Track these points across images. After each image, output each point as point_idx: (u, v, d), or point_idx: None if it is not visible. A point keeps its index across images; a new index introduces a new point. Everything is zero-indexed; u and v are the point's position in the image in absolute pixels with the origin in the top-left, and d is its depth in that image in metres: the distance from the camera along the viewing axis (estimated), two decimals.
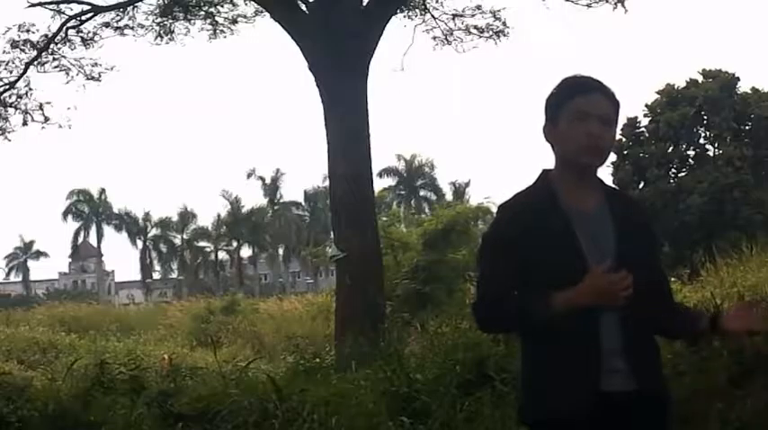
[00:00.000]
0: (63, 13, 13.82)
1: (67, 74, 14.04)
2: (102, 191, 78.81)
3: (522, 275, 2.79)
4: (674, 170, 36.63)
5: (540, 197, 2.87)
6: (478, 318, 2.98)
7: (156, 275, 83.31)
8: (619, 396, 2.75)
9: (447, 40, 14.34)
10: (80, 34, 13.93)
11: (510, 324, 2.97)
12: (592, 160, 2.86)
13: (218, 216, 78.51)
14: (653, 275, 2.88)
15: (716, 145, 36.61)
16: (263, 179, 76.40)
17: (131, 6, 14.01)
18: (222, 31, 14.46)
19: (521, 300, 2.81)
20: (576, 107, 2.82)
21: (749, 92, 36.03)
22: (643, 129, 36.99)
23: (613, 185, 3.13)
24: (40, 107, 14.09)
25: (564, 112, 2.84)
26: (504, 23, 14.21)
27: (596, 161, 2.87)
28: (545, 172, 2.95)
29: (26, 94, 14.03)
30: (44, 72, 13.98)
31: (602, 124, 2.83)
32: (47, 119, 14.10)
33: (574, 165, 2.86)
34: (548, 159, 3.07)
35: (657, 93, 36.84)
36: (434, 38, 14.37)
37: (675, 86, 36.65)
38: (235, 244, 78.99)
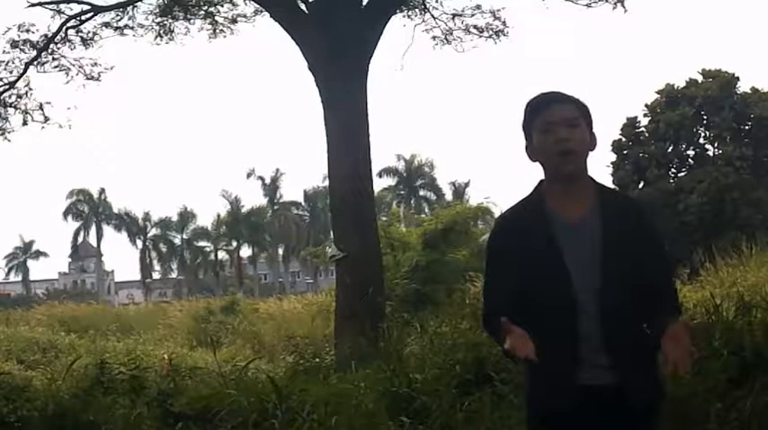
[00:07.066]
0: (63, 13, 13.79)
1: (67, 74, 14.02)
2: (102, 191, 78.96)
3: (519, 283, 3.00)
4: (673, 170, 36.63)
5: (531, 210, 3.08)
6: (483, 328, 3.33)
7: (155, 275, 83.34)
8: (601, 389, 2.91)
9: (447, 39, 14.33)
10: (80, 34, 13.90)
11: (496, 339, 3.11)
12: (567, 163, 3.02)
13: (218, 216, 78.67)
14: (645, 279, 2.97)
15: (716, 145, 36.60)
16: (262, 179, 76.58)
17: (131, 6, 13.99)
18: (222, 31, 14.44)
19: (495, 325, 2.93)
20: (541, 121, 3.07)
21: (749, 92, 36.01)
22: (643, 128, 37.00)
23: (609, 186, 3.27)
24: (40, 107, 14.05)
25: (534, 129, 3.09)
26: (503, 23, 14.20)
27: (572, 163, 3.02)
28: (540, 182, 3.14)
29: (26, 93, 13.99)
30: (44, 72, 13.94)
31: (568, 127, 3.02)
32: (47, 119, 14.06)
33: (556, 174, 3.06)
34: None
35: (657, 93, 36.85)
36: (434, 38, 14.35)
37: (675, 86, 36.64)
38: (234, 244, 79.00)
